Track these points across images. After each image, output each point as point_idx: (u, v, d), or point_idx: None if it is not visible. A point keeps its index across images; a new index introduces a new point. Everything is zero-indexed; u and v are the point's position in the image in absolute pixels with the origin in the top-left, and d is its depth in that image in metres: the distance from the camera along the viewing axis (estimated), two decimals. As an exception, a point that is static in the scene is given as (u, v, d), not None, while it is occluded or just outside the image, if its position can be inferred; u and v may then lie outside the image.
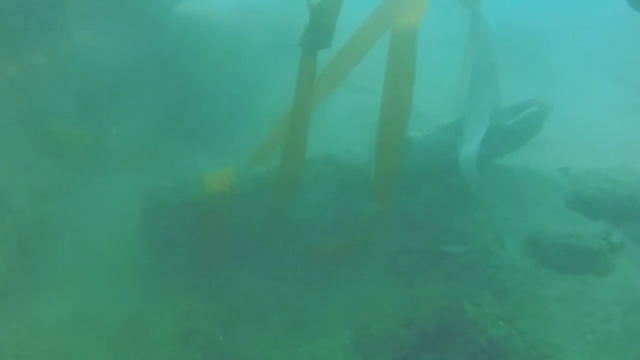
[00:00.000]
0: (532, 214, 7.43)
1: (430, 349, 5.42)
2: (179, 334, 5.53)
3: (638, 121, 11.45)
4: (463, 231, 6.86)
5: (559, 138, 9.83)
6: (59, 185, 7.17)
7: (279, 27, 10.12)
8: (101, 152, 7.91)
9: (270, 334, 5.93)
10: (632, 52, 13.79)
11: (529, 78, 12.22)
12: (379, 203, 6.32)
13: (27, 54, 7.55)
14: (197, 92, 8.76)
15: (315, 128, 6.40)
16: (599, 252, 6.59)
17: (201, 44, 9.39)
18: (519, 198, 7.68)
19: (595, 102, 12.55)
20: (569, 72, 13.93)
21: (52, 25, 7.58)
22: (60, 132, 7.62)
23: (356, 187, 6.40)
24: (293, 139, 5.90)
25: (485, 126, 6.51)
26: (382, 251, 6.80)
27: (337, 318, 6.07)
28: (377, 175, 6.20)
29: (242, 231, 6.23)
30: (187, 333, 5.55)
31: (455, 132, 6.91)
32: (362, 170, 6.40)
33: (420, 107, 7.69)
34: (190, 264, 6.25)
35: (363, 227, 6.57)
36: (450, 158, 6.70)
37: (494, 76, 7.14)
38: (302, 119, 5.90)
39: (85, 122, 7.97)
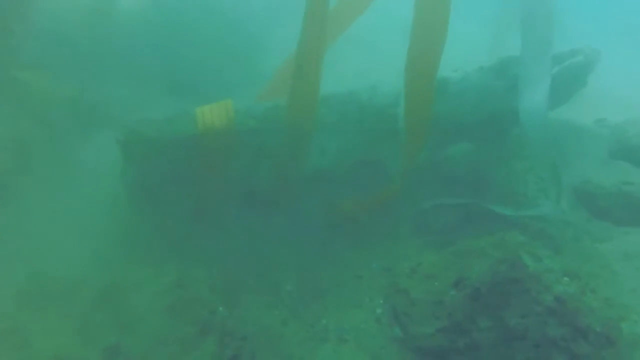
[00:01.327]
0: (575, 165, 6.58)
1: (487, 312, 4.40)
2: (168, 305, 4.39)
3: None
4: (504, 184, 5.95)
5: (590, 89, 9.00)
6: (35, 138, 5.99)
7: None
8: (85, 108, 6.73)
9: (283, 306, 4.86)
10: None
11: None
12: (408, 152, 5.32)
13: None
14: (195, 45, 7.56)
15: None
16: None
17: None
18: (558, 150, 6.74)
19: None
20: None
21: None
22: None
23: (382, 131, 5.38)
24: (305, 66, 4.83)
25: (549, 71, 5.54)
26: (413, 208, 5.85)
27: (364, 284, 5.07)
28: (407, 119, 5.20)
29: (245, 179, 5.15)
30: (178, 303, 4.41)
31: (495, 75, 5.91)
32: (389, 111, 5.37)
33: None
34: (182, 219, 5.14)
35: (391, 179, 5.56)
36: (488, 104, 5.78)
37: (549, 11, 6.14)
38: (314, 44, 4.85)
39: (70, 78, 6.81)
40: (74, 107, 6.72)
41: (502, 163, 6.24)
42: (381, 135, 5.37)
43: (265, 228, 5.37)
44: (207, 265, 4.83)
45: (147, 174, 4.95)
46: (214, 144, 4.83)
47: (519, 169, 6.09)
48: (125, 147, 4.84)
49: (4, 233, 4.88)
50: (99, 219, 5.19)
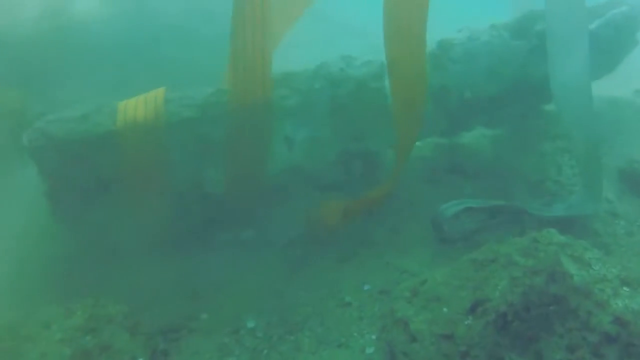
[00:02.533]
0: (617, 143, 5.26)
1: (517, 347, 3.12)
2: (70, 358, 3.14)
3: None
4: (533, 172, 4.73)
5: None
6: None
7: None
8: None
9: (242, 350, 3.62)
10: None
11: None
12: (400, 142, 4.11)
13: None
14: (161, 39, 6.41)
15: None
16: None
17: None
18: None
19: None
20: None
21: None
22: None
23: (364, 111, 4.16)
24: (244, 30, 3.67)
25: (585, 27, 4.26)
26: (419, 210, 4.60)
27: (352, 314, 3.77)
28: (394, 100, 4.00)
29: (189, 183, 3.99)
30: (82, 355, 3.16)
31: (513, 34, 4.65)
32: (371, 85, 4.15)
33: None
34: (109, 238, 3.94)
35: (381, 175, 4.38)
36: (507, 72, 4.54)
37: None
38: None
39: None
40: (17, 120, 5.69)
41: (529, 148, 4.98)
42: (365, 117, 4.13)
43: (220, 244, 4.17)
44: (131, 298, 3.62)
45: (64, 184, 3.80)
46: (137, 141, 3.69)
47: (550, 152, 4.83)
48: (33, 153, 3.72)
49: None
50: (15, 243, 4.09)
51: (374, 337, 3.58)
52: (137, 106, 3.73)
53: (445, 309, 3.38)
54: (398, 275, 4.00)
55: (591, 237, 4.15)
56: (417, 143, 5.46)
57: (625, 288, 3.29)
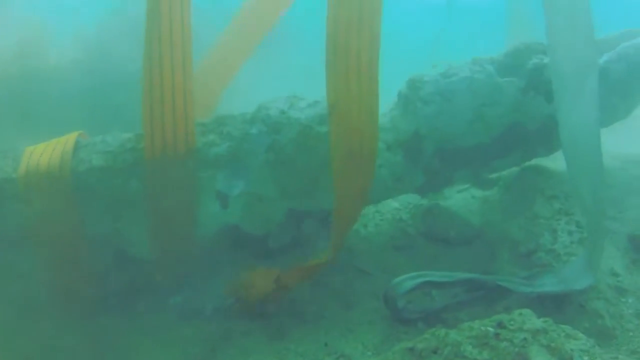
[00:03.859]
0: (628, 205, 4.35)
1: None
2: None
3: None
4: (523, 239, 3.97)
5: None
6: None
7: None
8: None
9: None
10: None
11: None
12: (342, 204, 3.42)
13: None
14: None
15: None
16: None
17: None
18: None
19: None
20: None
21: None
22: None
23: (313, 161, 3.56)
24: (166, 63, 3.21)
25: (594, 62, 3.57)
26: (377, 281, 3.86)
27: None
28: (336, 154, 3.34)
29: (105, 240, 3.47)
30: None
31: (502, 69, 3.94)
32: (317, 130, 3.51)
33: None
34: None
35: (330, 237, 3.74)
36: (493, 114, 3.84)
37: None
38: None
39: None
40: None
41: (522, 210, 4.24)
42: (313, 167, 3.51)
43: (143, 310, 3.60)
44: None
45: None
46: (41, 192, 3.22)
47: (546, 215, 4.07)
48: None
49: None
50: None
51: None
52: (45, 151, 3.30)
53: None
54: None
55: (589, 319, 3.31)
56: (395, 204, 4.89)
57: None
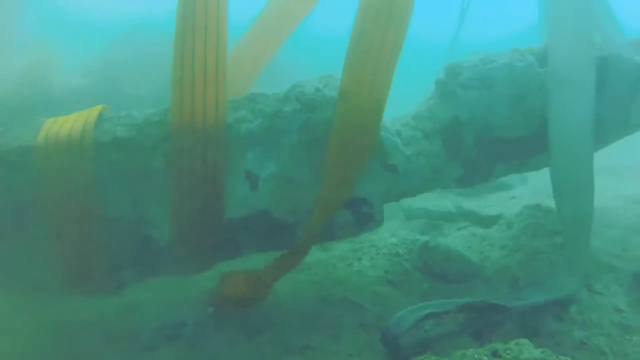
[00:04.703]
0: (633, 244, 4.36)
1: None
2: None
3: None
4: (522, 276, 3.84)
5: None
6: None
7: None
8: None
9: None
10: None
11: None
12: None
13: None
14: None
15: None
16: None
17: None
18: (606, 226, 4.88)
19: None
20: None
21: None
22: None
23: (349, 143, 3.28)
24: (199, 35, 3.03)
25: (590, 67, 3.54)
26: (366, 315, 3.72)
27: None
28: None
29: (125, 223, 3.24)
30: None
31: (542, 60, 3.68)
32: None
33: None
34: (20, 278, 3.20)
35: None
36: (536, 104, 3.61)
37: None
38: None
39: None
40: None
41: (521, 245, 4.19)
42: (351, 150, 3.31)
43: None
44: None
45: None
46: (60, 162, 3.02)
47: (545, 249, 3.95)
48: None
49: None
50: None
51: None
52: (66, 122, 3.11)
53: None
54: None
55: (592, 356, 3.14)
56: (392, 240, 4.85)
57: None
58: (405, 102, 4.07)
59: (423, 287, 4.38)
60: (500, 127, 3.61)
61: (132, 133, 3.11)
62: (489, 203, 6.50)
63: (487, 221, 5.63)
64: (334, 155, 3.21)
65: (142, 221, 3.21)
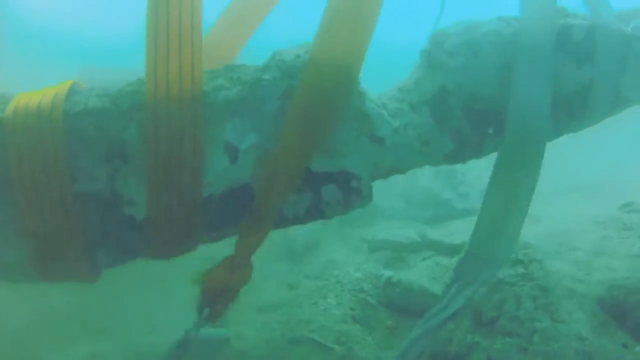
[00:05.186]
0: (596, 266, 4.49)
1: None
2: None
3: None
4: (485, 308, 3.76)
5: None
6: None
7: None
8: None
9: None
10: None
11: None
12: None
13: None
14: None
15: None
16: None
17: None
18: (569, 249, 5.07)
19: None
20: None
21: None
22: None
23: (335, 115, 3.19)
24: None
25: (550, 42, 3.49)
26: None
27: None
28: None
29: (101, 199, 3.07)
30: None
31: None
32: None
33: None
34: None
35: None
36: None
37: None
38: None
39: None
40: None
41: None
42: (332, 119, 3.18)
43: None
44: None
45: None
46: (29, 134, 2.87)
47: (509, 280, 3.89)
48: None
49: None
50: None
51: None
52: (37, 94, 2.99)
53: None
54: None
55: None
56: (358, 274, 5.04)
57: None
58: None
59: (387, 323, 4.50)
60: (489, 98, 3.49)
61: (105, 103, 2.97)
62: (453, 230, 6.60)
63: (452, 250, 5.72)
64: (294, 120, 3.08)
65: (117, 197, 3.06)
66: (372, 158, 3.33)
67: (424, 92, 3.48)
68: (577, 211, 6.29)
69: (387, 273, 4.99)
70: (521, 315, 3.60)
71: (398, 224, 6.92)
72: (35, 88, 3.13)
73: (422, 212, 7.49)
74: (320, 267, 5.77)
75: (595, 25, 3.70)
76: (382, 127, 3.31)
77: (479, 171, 6.78)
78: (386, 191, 6.75)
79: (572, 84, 3.69)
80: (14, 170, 2.91)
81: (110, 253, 3.17)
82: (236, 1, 4.03)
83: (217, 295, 3.26)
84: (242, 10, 4.03)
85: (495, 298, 3.82)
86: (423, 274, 5.04)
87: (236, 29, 3.98)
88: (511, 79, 3.38)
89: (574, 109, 3.76)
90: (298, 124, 3.05)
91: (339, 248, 6.31)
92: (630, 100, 4.01)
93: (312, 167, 3.22)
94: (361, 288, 4.88)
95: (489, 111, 3.52)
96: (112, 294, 4.34)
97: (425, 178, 7.80)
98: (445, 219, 7.32)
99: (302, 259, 6.13)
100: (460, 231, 6.26)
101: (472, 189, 7.84)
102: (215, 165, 3.09)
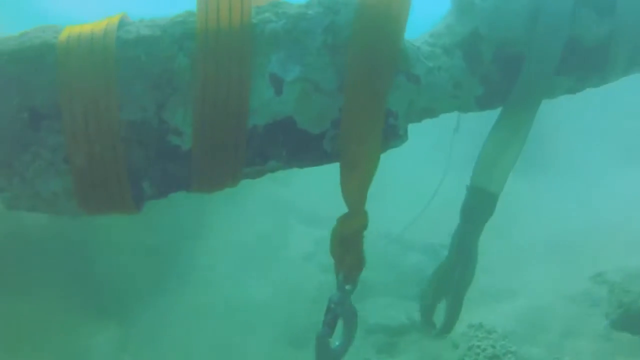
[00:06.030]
0: (563, 349, 4.85)
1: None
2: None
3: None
4: None
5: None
6: None
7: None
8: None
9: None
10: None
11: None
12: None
13: None
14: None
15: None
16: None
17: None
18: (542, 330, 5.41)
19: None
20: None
21: None
22: None
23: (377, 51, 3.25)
24: None
25: None
26: None
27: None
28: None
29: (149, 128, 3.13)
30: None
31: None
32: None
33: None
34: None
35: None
36: (547, 22, 3.56)
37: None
38: None
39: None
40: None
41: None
42: (379, 60, 3.27)
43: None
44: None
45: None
46: (82, 61, 2.94)
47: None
48: None
49: None
50: None
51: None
52: (89, 25, 3.06)
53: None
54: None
55: None
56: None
57: None
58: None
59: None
60: (517, 42, 3.62)
61: (156, 32, 3.06)
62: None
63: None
64: (357, 62, 3.21)
65: (164, 126, 3.12)
66: (408, 96, 3.43)
67: (456, 35, 3.59)
68: (551, 283, 6.55)
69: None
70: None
71: (388, 301, 7.04)
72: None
73: (412, 288, 7.43)
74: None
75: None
76: (418, 66, 3.41)
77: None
78: (378, 266, 7.00)
79: (593, 37, 3.81)
80: (63, 96, 2.97)
81: (155, 184, 3.24)
82: None
83: (345, 256, 3.33)
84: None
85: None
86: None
87: None
88: (535, 28, 3.53)
89: (595, 62, 3.90)
90: (363, 66, 3.20)
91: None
92: None
93: (351, 103, 3.33)
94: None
95: (518, 57, 3.65)
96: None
97: (414, 254, 8.08)
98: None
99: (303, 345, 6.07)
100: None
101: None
102: (261, 95, 3.17)
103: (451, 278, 3.55)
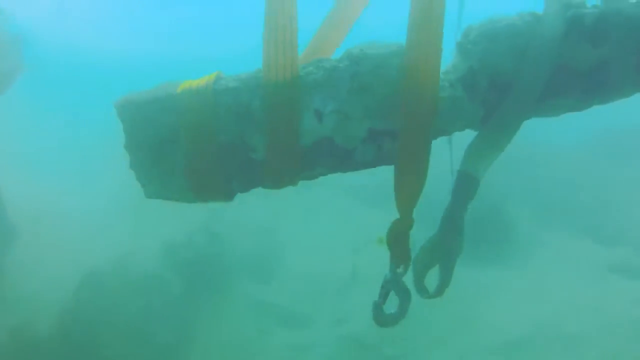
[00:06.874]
0: None
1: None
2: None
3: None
4: None
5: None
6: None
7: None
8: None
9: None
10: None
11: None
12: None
13: None
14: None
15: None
16: None
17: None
18: None
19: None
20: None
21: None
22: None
23: (387, 89, 4.58)
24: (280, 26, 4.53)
25: None
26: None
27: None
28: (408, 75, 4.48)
29: (236, 148, 4.74)
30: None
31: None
32: (390, 62, 4.57)
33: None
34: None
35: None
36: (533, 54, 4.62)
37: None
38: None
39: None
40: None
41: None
42: (388, 94, 4.57)
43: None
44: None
45: (137, 140, 4.83)
46: (191, 104, 4.59)
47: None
48: (118, 113, 4.81)
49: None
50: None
51: None
52: (196, 81, 4.67)
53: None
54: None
55: None
56: None
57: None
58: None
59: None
60: (506, 73, 4.70)
61: (238, 84, 4.64)
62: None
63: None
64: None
65: (245, 146, 4.72)
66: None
67: (458, 72, 4.74)
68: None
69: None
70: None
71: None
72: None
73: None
74: None
75: (609, 10, 4.65)
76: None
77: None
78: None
79: (587, 62, 4.72)
80: (182, 129, 4.65)
81: (241, 182, 4.89)
82: (332, 12, 5.50)
83: (396, 249, 4.60)
84: (337, 19, 5.49)
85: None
86: None
87: (332, 34, 5.45)
88: (522, 60, 4.58)
89: (591, 85, 4.76)
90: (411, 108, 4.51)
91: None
92: None
93: (374, 125, 4.67)
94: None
95: (508, 85, 4.72)
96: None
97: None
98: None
99: None
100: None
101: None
102: (308, 123, 4.65)
103: (441, 248, 4.77)
